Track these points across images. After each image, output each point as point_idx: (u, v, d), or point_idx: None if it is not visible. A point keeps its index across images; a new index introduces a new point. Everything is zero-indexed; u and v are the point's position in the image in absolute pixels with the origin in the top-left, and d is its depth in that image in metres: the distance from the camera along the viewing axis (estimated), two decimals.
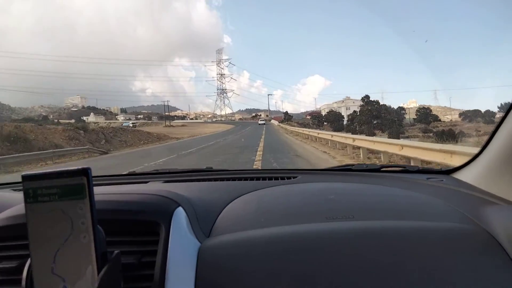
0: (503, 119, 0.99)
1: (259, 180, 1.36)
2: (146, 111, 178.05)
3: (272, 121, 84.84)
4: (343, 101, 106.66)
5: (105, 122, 75.48)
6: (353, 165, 1.51)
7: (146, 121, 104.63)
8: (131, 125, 63.67)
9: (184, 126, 73.86)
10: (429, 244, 0.73)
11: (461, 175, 1.28)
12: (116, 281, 0.57)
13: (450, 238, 0.75)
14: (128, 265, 0.65)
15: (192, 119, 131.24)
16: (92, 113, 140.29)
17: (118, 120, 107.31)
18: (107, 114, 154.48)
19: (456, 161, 5.04)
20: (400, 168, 1.50)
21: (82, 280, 0.53)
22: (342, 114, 69.98)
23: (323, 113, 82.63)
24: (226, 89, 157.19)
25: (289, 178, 1.37)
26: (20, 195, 0.92)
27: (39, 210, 0.53)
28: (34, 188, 0.53)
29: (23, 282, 0.60)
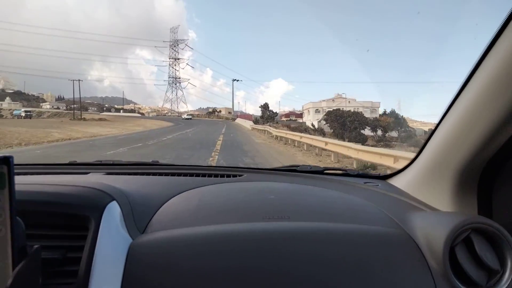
0: (435, 128, 1.02)
1: (205, 176, 1.34)
2: (93, 101, 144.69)
3: (238, 120, 58.40)
4: (333, 100, 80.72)
5: None
6: (298, 166, 1.55)
7: (58, 110, 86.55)
8: (23, 114, 57.45)
9: (102, 120, 54.40)
10: (357, 246, 0.78)
11: (395, 181, 1.33)
12: (34, 277, 0.55)
13: (376, 241, 0.81)
14: (52, 260, 0.63)
15: (142, 114, 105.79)
16: (8, 98, 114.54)
17: (3, 107, 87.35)
18: (33, 100, 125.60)
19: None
20: (341, 172, 1.54)
21: None
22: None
23: (307, 115, 64.39)
24: (180, 78, 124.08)
25: (235, 176, 1.37)
26: None
27: None
28: None
29: None
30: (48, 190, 0.76)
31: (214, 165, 1.83)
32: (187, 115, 78.22)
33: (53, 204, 0.71)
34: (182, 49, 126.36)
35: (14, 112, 62.24)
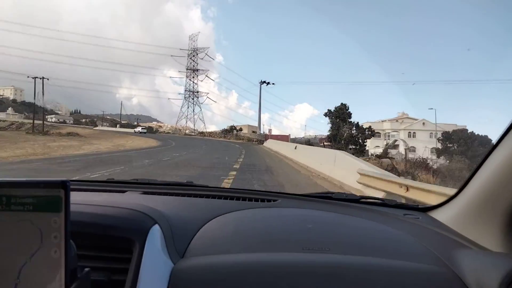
0: (482, 161, 0.98)
1: (239, 200, 1.36)
2: (113, 117, 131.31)
3: (273, 144, 34.21)
4: (397, 120, 59.12)
5: None
6: (333, 193, 1.52)
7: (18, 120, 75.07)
8: None
9: (70, 135, 40.02)
10: (403, 285, 0.74)
11: (437, 214, 1.28)
12: None
13: (422, 279, 0.77)
14: (98, 281, 0.63)
15: (161, 131, 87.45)
16: (10, 108, 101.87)
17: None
18: (41, 112, 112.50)
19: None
20: (379, 201, 1.49)
21: None
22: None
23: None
24: (198, 92, 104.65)
25: (269, 200, 1.37)
26: None
27: (10, 219, 0.51)
28: (8, 196, 0.51)
29: None
30: (96, 211, 0.77)
31: (248, 188, 1.56)
32: (142, 128, 65.72)
33: (100, 226, 0.72)
34: (202, 58, 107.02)
35: None
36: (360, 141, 32.93)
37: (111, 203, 0.86)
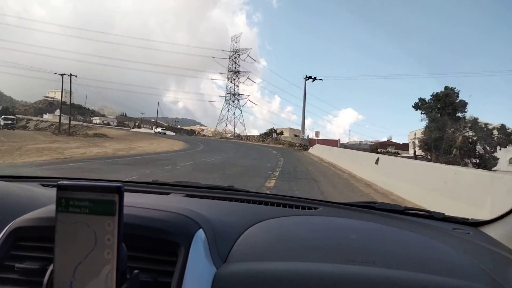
0: None
1: (280, 206, 1.36)
2: (158, 121, 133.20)
3: (317, 150, 28.43)
4: None
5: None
6: (376, 202, 1.49)
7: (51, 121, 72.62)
8: (1, 123, 49.30)
9: (96, 136, 36.76)
10: None
11: (490, 230, 1.23)
12: None
13: None
14: (144, 283, 0.65)
15: (201, 134, 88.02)
16: (58, 110, 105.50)
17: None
18: (87, 114, 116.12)
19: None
20: (425, 213, 1.43)
21: None
22: None
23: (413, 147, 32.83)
24: (239, 94, 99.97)
25: (310, 208, 1.36)
26: (48, 192, 1.17)
27: (68, 221, 0.54)
28: (66, 198, 0.54)
29: None
30: (144, 214, 0.78)
31: (289, 195, 1.55)
32: (162, 129, 68.16)
33: (148, 229, 0.73)
34: (243, 60, 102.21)
35: None
36: (487, 149, 18.47)
37: (158, 206, 0.88)
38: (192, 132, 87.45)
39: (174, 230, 0.75)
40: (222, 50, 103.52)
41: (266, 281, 0.71)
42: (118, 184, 0.53)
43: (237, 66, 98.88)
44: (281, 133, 56.72)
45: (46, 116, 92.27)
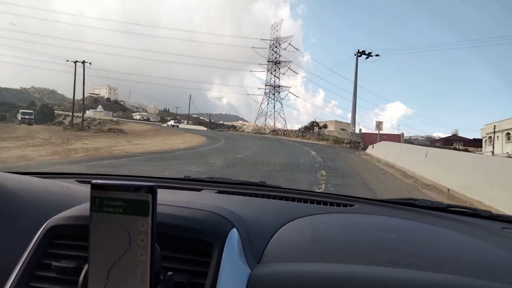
0: None
1: (314, 203, 1.32)
2: (198, 116, 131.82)
3: (380, 148, 18.44)
4: None
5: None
6: (416, 199, 1.42)
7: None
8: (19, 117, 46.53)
9: (111, 132, 34.75)
10: None
11: None
12: None
13: None
14: (178, 284, 0.64)
15: (241, 130, 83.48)
16: (100, 106, 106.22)
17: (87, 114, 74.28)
18: (128, 111, 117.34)
19: None
20: (470, 211, 1.37)
21: None
22: None
23: (490, 142, 35.72)
24: (279, 87, 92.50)
25: (345, 205, 1.32)
26: (84, 189, 1.17)
27: (102, 220, 0.53)
28: (100, 198, 0.53)
29: None
30: (177, 213, 0.77)
31: (323, 191, 1.74)
32: (174, 122, 66.40)
33: (181, 228, 0.72)
34: (284, 49, 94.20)
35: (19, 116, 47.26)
36: None
37: (191, 204, 0.86)
38: (232, 128, 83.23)
39: (207, 229, 0.73)
40: (261, 39, 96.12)
41: (304, 284, 0.68)
42: (152, 183, 0.52)
43: (278, 56, 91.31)
44: (325, 126, 47.21)
45: (88, 112, 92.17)
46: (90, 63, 40.01)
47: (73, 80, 38.54)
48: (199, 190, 1.38)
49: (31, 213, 0.85)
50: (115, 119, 66.93)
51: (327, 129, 44.93)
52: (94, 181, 0.54)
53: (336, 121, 50.75)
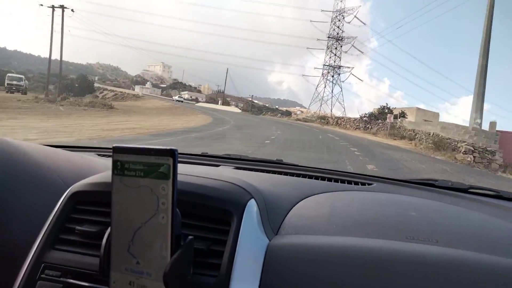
0: None
1: (331, 181, 1.31)
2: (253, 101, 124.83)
3: None
4: None
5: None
6: (436, 180, 1.40)
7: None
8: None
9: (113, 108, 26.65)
10: None
11: None
12: (187, 267, 0.57)
13: None
14: (197, 250, 0.65)
15: (296, 118, 72.58)
16: (149, 82, 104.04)
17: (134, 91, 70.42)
18: (179, 89, 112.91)
19: None
20: (492, 193, 1.34)
21: (154, 262, 0.53)
22: None
23: None
24: (340, 67, 77.59)
25: (363, 184, 1.31)
26: (104, 161, 1.18)
27: (123, 184, 0.54)
28: (122, 161, 0.54)
29: (102, 250, 0.60)
30: (197, 182, 0.77)
31: (342, 170, 1.51)
32: (179, 97, 64.04)
33: (201, 196, 0.73)
34: (349, 22, 78.61)
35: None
36: None
37: (210, 175, 0.85)
38: (284, 114, 72.91)
39: (227, 198, 0.73)
40: (322, 10, 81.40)
41: (322, 255, 0.68)
42: (172, 147, 0.52)
43: (341, 31, 76.24)
44: (403, 115, 30.74)
45: (136, 88, 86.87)
46: (72, 10, 30.62)
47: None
48: (217, 165, 1.39)
49: (56, 180, 0.87)
50: (140, 94, 59.19)
51: (406, 119, 29.22)
52: (115, 144, 0.54)
53: (418, 109, 33.34)
